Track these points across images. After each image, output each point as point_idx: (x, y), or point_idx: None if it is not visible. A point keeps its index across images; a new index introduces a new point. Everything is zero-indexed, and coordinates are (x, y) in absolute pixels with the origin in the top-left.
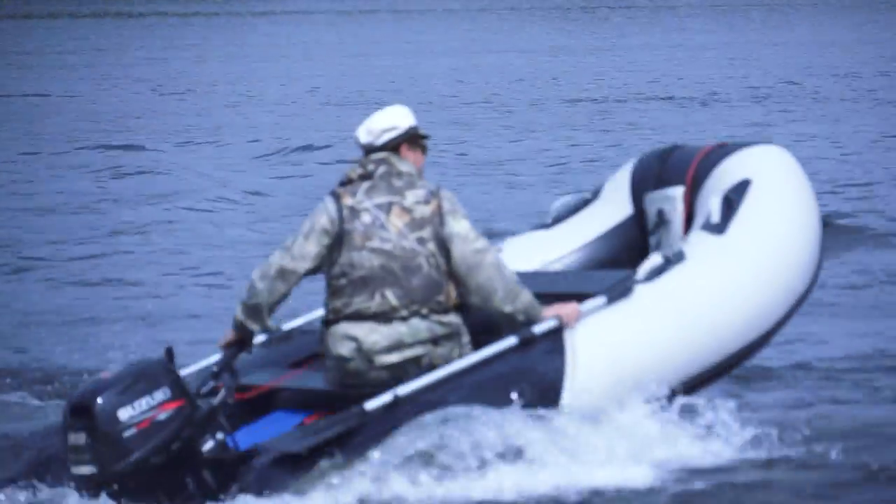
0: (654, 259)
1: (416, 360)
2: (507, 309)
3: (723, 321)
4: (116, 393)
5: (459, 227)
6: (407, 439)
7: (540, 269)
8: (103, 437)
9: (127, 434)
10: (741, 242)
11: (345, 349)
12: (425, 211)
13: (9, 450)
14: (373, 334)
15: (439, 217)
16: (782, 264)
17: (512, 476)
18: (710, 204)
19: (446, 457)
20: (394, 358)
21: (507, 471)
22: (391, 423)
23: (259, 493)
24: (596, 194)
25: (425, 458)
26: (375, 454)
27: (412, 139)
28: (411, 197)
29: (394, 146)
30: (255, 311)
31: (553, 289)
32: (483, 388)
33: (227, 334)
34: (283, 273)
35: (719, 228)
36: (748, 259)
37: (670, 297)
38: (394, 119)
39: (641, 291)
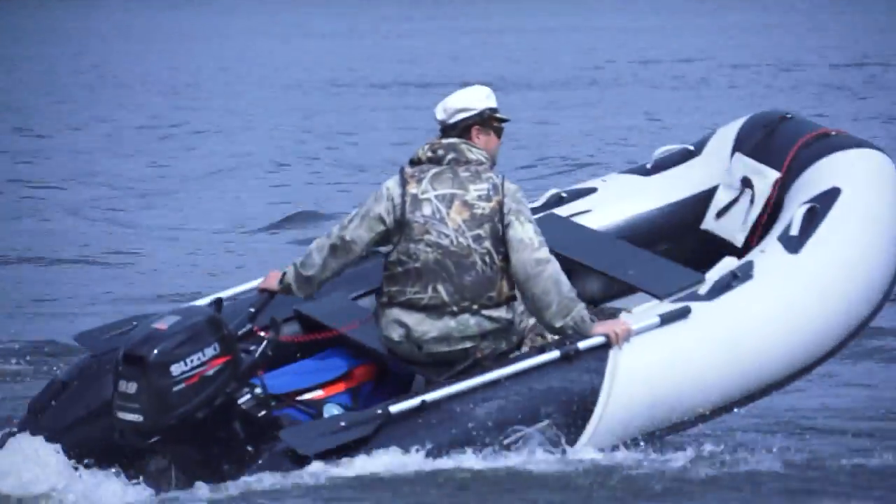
0: (726, 264)
1: (463, 352)
2: (558, 324)
3: (775, 352)
4: (171, 347)
5: (524, 232)
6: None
7: (628, 218)
8: (154, 389)
9: (176, 389)
10: (812, 268)
11: (395, 334)
12: (486, 208)
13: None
14: (423, 325)
15: (500, 215)
16: (851, 292)
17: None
18: (794, 210)
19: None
20: (442, 348)
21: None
22: (415, 428)
23: (273, 469)
24: (699, 148)
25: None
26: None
27: (486, 121)
28: (474, 191)
29: (465, 126)
30: (306, 281)
31: (621, 275)
32: (513, 401)
33: (269, 281)
34: (335, 251)
35: (795, 246)
36: (815, 288)
37: (726, 324)
38: (469, 99)
39: (698, 314)
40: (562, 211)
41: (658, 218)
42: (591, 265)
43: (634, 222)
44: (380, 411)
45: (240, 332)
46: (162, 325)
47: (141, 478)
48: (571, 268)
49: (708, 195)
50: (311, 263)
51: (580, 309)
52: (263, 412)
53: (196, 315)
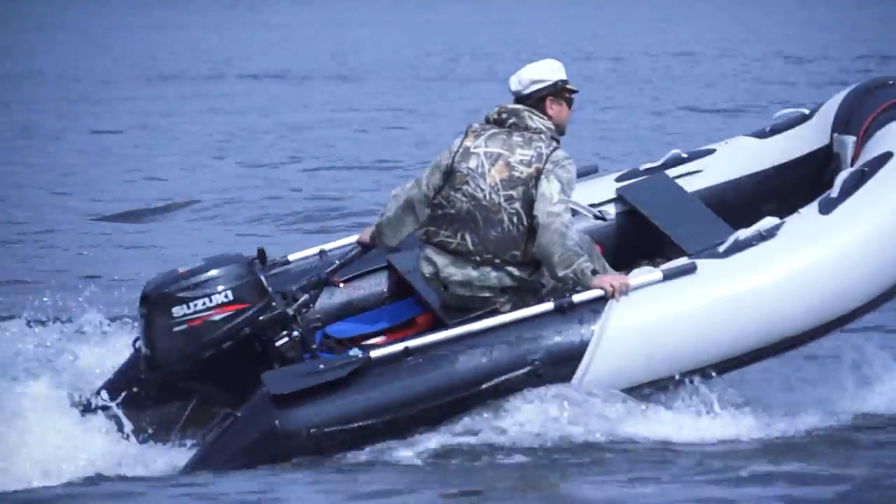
0: (763, 223)
1: (482, 301)
2: (560, 273)
3: (780, 311)
4: (178, 289)
5: (548, 187)
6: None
7: (736, 178)
8: (155, 327)
9: (176, 329)
10: (838, 229)
11: (426, 270)
12: (524, 172)
13: None
14: (449, 267)
15: (535, 181)
16: (878, 255)
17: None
18: (844, 173)
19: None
20: (464, 292)
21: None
22: (397, 373)
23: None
24: (812, 113)
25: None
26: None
27: (558, 92)
28: (519, 155)
29: (540, 97)
30: (389, 231)
31: (671, 232)
32: (497, 349)
33: (364, 235)
34: (411, 199)
35: (829, 208)
36: (836, 250)
37: (732, 281)
38: (543, 72)
39: (705, 270)
40: (677, 170)
41: (766, 178)
42: (658, 222)
43: (741, 182)
44: (360, 355)
45: (318, 280)
46: (184, 268)
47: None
48: (646, 224)
49: (811, 158)
50: (390, 213)
51: (582, 262)
52: (294, 355)
53: (220, 263)
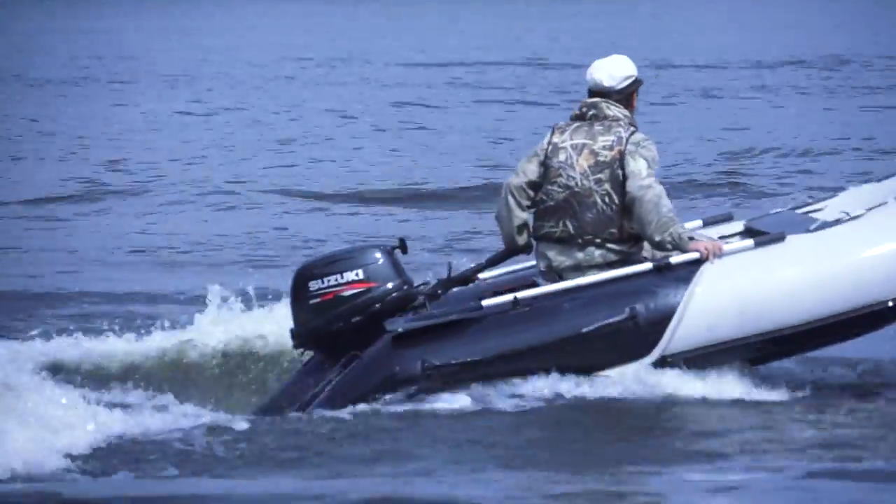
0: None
1: None
2: (658, 238)
3: (861, 277)
4: (315, 267)
5: (635, 165)
6: None
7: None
8: (296, 301)
9: (312, 302)
10: None
11: (542, 264)
12: (608, 156)
13: None
14: (559, 255)
15: (619, 162)
16: None
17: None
18: None
19: None
20: (577, 275)
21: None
22: (502, 321)
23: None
24: None
25: None
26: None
27: (639, 84)
28: (601, 142)
29: (631, 91)
30: (510, 227)
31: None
32: (598, 301)
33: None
34: (510, 189)
35: None
36: None
37: (817, 248)
38: (631, 68)
39: (793, 240)
40: (805, 209)
41: None
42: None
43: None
44: (472, 304)
45: (461, 276)
46: (328, 252)
47: None
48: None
49: None
50: (499, 206)
51: (678, 227)
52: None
53: (360, 247)
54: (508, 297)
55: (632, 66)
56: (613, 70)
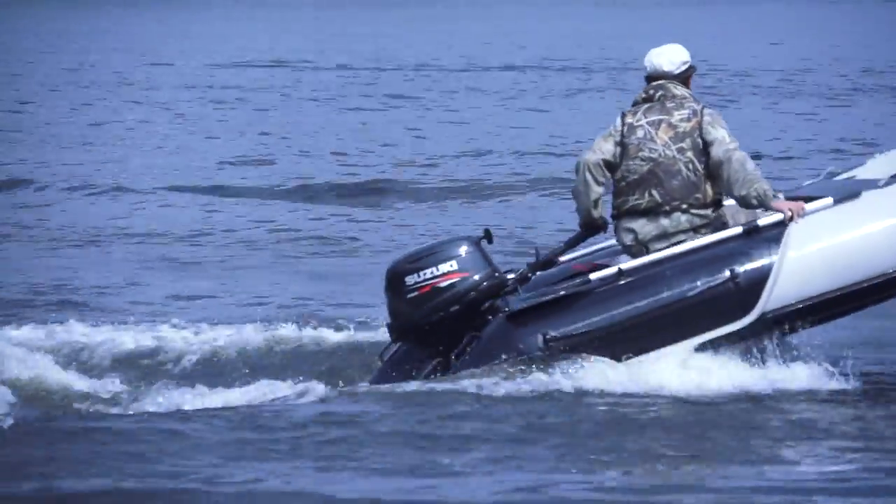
0: None
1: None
2: (744, 192)
3: None
4: (409, 262)
5: (716, 133)
6: None
7: None
8: (394, 296)
9: (409, 296)
10: None
11: (627, 239)
12: (687, 126)
13: None
14: (645, 226)
15: (699, 130)
16: None
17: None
18: None
19: None
20: (663, 244)
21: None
22: (611, 292)
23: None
24: None
25: None
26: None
27: (693, 69)
28: (677, 116)
29: (689, 74)
30: (587, 203)
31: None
32: (698, 266)
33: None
34: (587, 165)
35: None
36: None
37: (890, 200)
38: (686, 54)
39: (868, 196)
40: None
41: None
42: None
43: None
44: (579, 280)
45: (543, 260)
46: (419, 247)
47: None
48: None
49: None
50: (576, 182)
51: (763, 183)
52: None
53: (451, 239)
54: (613, 269)
55: (686, 53)
56: (672, 56)
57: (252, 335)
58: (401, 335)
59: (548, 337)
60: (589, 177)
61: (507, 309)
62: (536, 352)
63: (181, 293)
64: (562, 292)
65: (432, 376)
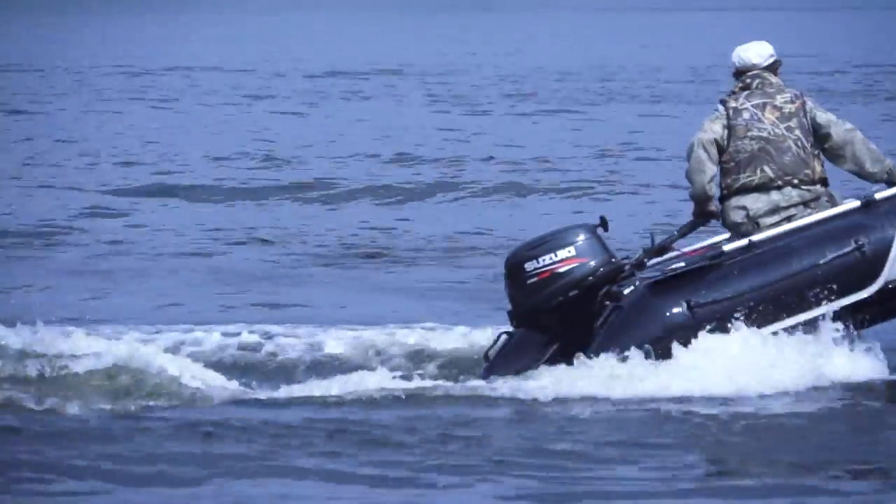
0: None
1: (788, 219)
2: (875, 169)
3: None
4: (528, 249)
5: (828, 116)
6: None
7: None
8: (514, 283)
9: (529, 281)
10: None
11: (737, 217)
12: (792, 108)
13: None
14: (756, 202)
15: (804, 111)
16: None
17: None
18: None
19: None
20: (774, 219)
21: None
22: (745, 262)
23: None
24: None
25: None
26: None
27: (779, 62)
28: (780, 98)
29: (776, 66)
30: (702, 186)
31: None
32: (825, 237)
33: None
34: (701, 143)
35: None
36: None
37: None
38: (771, 48)
39: None
40: None
41: None
42: None
43: None
44: (712, 252)
45: (658, 247)
46: (536, 236)
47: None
48: None
49: None
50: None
51: (889, 161)
52: None
53: (567, 227)
54: (743, 241)
55: (771, 47)
56: (759, 50)
57: (367, 336)
58: (521, 321)
59: (692, 304)
60: (703, 153)
61: (637, 284)
62: (681, 318)
63: (279, 299)
64: (698, 264)
65: (553, 361)
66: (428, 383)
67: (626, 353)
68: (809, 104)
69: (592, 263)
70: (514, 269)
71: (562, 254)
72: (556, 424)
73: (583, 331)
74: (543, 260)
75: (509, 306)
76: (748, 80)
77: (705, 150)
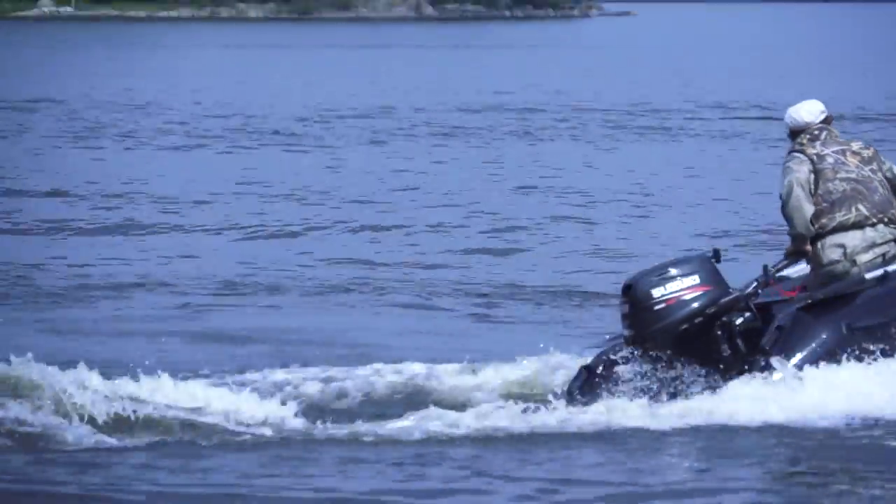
0: None
1: (882, 256)
2: None
3: None
4: (654, 276)
5: (890, 164)
6: None
7: None
8: (638, 308)
9: (656, 307)
10: None
11: (834, 254)
12: (868, 153)
13: None
14: (853, 239)
15: (877, 158)
16: None
17: None
18: None
19: None
20: (869, 256)
21: None
22: (882, 290)
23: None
24: None
25: None
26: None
27: (831, 118)
28: (855, 146)
29: (828, 121)
30: (790, 214)
31: None
32: None
33: (789, 247)
34: (799, 182)
35: None
36: None
37: None
38: (821, 105)
39: None
40: None
41: None
42: None
43: None
44: (856, 278)
45: (764, 280)
46: (656, 264)
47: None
48: None
49: None
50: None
51: None
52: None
53: (686, 257)
54: (879, 271)
55: (821, 104)
56: (811, 108)
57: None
58: (645, 344)
59: (852, 326)
60: (802, 192)
61: (789, 308)
62: (841, 339)
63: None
64: (843, 290)
65: (672, 386)
66: (540, 419)
67: (801, 373)
68: (878, 154)
69: (716, 292)
70: (641, 295)
71: (688, 281)
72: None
73: (700, 357)
74: (671, 287)
75: (628, 330)
76: (815, 132)
77: (803, 188)
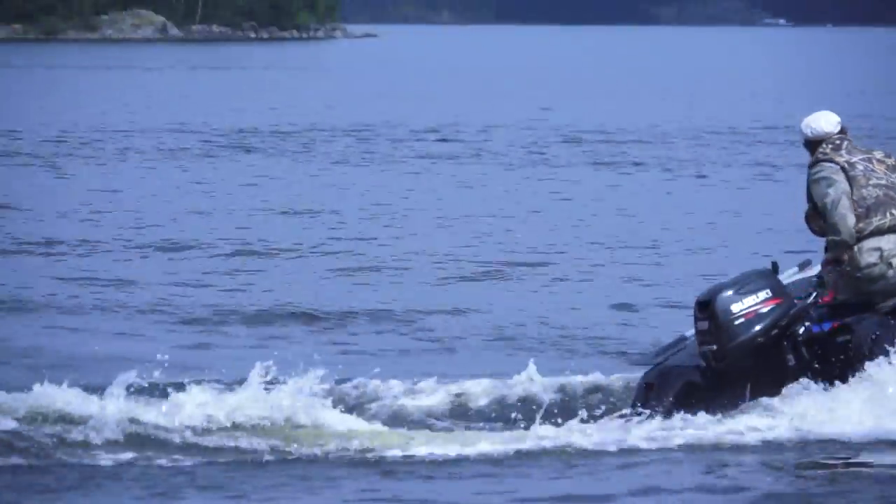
0: None
1: None
2: None
3: None
4: (732, 292)
5: None
6: None
7: None
8: (720, 323)
9: (737, 322)
10: None
11: (871, 258)
12: (890, 162)
13: None
14: (889, 243)
15: None
16: None
17: None
18: None
19: None
20: None
21: None
22: None
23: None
24: None
25: None
26: None
27: (846, 129)
28: (878, 154)
29: (844, 131)
30: (837, 224)
31: None
32: None
33: (827, 257)
34: (845, 194)
35: None
36: None
37: None
38: (837, 116)
39: None
40: None
41: None
42: None
43: None
44: None
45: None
46: (725, 280)
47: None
48: None
49: None
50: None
51: None
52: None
53: (752, 272)
54: None
55: (837, 116)
56: (829, 119)
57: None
58: (726, 358)
59: None
60: (847, 201)
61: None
62: None
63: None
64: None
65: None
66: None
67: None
68: None
69: (787, 304)
70: (721, 311)
71: (762, 295)
72: None
73: (773, 368)
74: (747, 301)
75: (709, 346)
76: (837, 141)
77: (848, 198)
